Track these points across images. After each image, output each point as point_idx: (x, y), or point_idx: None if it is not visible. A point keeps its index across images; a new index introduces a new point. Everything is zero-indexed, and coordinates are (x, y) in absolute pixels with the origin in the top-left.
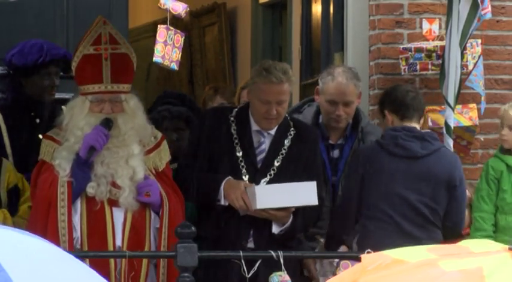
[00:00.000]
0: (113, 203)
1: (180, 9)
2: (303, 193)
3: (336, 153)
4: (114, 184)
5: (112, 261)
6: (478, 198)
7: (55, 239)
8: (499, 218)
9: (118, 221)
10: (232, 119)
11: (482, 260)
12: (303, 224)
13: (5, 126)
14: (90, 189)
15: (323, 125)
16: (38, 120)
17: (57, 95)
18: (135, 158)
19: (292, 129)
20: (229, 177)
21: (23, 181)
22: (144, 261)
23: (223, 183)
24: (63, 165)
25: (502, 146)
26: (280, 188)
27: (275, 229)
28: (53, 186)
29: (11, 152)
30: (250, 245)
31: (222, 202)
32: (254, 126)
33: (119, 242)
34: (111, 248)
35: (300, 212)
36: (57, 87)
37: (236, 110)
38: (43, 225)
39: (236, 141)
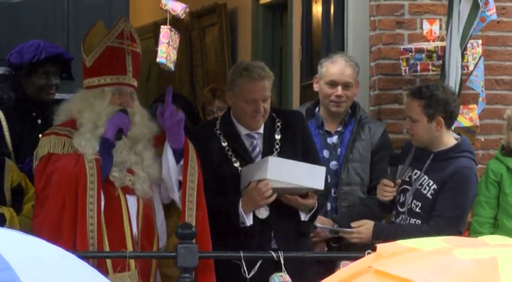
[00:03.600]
0: (127, 190)
1: (179, 9)
2: (313, 175)
3: (334, 139)
4: (129, 171)
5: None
6: (476, 203)
7: (82, 221)
8: (505, 221)
9: (132, 208)
10: (218, 132)
11: (497, 251)
12: (321, 204)
13: (7, 127)
14: (115, 173)
15: (319, 113)
16: (40, 121)
17: (60, 96)
18: (145, 153)
19: (278, 120)
20: (240, 198)
21: (25, 180)
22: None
23: (240, 207)
24: (90, 144)
25: (503, 147)
26: (292, 164)
27: (303, 217)
28: (80, 164)
29: (13, 152)
30: (274, 246)
31: (247, 223)
32: (242, 131)
33: (134, 229)
34: (128, 235)
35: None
36: (56, 86)
37: (218, 121)
38: (71, 206)
39: (230, 153)
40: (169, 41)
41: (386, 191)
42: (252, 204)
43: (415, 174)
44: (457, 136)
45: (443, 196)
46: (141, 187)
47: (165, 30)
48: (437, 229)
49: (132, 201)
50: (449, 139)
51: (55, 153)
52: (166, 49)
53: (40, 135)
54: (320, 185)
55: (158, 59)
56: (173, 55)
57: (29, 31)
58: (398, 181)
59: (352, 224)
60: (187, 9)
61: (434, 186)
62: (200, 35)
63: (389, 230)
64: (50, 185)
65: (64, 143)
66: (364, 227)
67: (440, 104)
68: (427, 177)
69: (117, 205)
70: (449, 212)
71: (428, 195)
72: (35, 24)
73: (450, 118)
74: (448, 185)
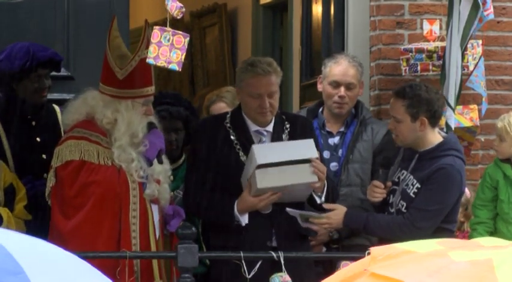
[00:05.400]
0: (153, 200)
1: (174, 8)
2: (302, 147)
3: (335, 140)
4: (156, 181)
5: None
6: (472, 207)
7: (126, 237)
8: (500, 225)
9: (156, 218)
10: (228, 125)
11: (492, 253)
12: (333, 194)
13: (3, 131)
14: (148, 190)
15: (321, 114)
16: (34, 123)
17: (60, 96)
18: (165, 162)
19: (287, 122)
20: (236, 201)
21: (17, 180)
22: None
23: (235, 209)
24: (139, 165)
25: None
26: (278, 145)
27: (319, 200)
28: (122, 181)
29: (11, 156)
30: (274, 244)
31: (243, 223)
32: (252, 127)
33: (157, 236)
34: (153, 243)
35: (329, 188)
36: (49, 88)
37: (229, 115)
38: (111, 223)
39: (238, 147)
40: (160, 41)
41: (376, 192)
42: (250, 207)
43: (402, 174)
44: (444, 134)
45: (423, 190)
46: (165, 197)
47: (154, 30)
48: (412, 221)
49: (155, 210)
50: (435, 138)
51: (90, 162)
52: (155, 49)
53: (38, 139)
54: (313, 153)
55: (147, 60)
56: (175, 55)
57: (29, 31)
58: (389, 183)
59: (325, 205)
60: (183, 9)
61: (417, 184)
62: (200, 35)
63: (361, 217)
64: (86, 195)
65: (98, 151)
66: (334, 213)
67: (424, 103)
68: (412, 177)
69: (146, 215)
70: (425, 206)
71: (411, 194)
72: (35, 24)
73: (434, 117)
74: (428, 181)
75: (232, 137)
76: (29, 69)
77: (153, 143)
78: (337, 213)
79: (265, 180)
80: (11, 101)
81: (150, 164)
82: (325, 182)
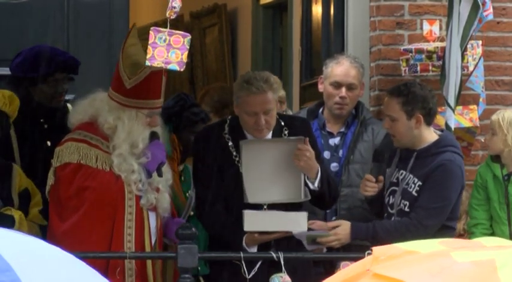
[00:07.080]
0: (150, 207)
1: (168, 9)
2: (293, 219)
3: (336, 140)
4: (156, 189)
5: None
6: (469, 207)
7: (118, 244)
8: (494, 226)
9: (152, 223)
10: (227, 136)
11: (495, 253)
12: (330, 191)
13: (14, 133)
14: (144, 201)
15: (321, 114)
16: (46, 126)
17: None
18: (167, 171)
19: (285, 128)
20: (245, 235)
21: (32, 185)
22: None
23: (244, 243)
24: (139, 177)
25: None
26: (270, 213)
27: (312, 186)
28: (119, 188)
29: (19, 158)
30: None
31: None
32: (250, 138)
33: (153, 243)
34: (148, 249)
35: (324, 177)
36: (67, 91)
37: (227, 125)
38: (103, 230)
39: (237, 159)
40: (155, 42)
41: (368, 186)
42: (258, 242)
43: (401, 174)
44: (440, 132)
45: (425, 188)
46: (163, 205)
47: (149, 31)
48: (418, 220)
49: (152, 217)
50: (431, 136)
51: (87, 166)
52: (149, 50)
53: (49, 143)
54: (303, 227)
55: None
56: (174, 56)
57: (29, 31)
58: (381, 178)
59: (328, 223)
60: (176, 9)
61: (419, 182)
62: (200, 35)
63: (368, 228)
64: (81, 199)
65: (97, 156)
66: (341, 228)
67: (419, 100)
68: (412, 176)
69: (142, 224)
70: (430, 203)
71: (414, 192)
72: (35, 24)
73: (429, 115)
74: (430, 179)
75: (231, 149)
76: (45, 73)
77: (155, 155)
78: (344, 228)
79: (253, 223)
80: (26, 103)
81: (149, 175)
82: (318, 167)
